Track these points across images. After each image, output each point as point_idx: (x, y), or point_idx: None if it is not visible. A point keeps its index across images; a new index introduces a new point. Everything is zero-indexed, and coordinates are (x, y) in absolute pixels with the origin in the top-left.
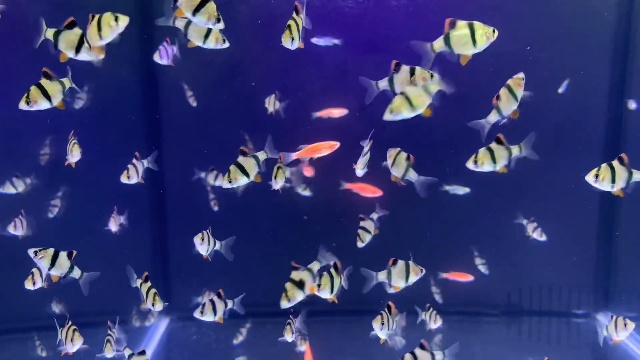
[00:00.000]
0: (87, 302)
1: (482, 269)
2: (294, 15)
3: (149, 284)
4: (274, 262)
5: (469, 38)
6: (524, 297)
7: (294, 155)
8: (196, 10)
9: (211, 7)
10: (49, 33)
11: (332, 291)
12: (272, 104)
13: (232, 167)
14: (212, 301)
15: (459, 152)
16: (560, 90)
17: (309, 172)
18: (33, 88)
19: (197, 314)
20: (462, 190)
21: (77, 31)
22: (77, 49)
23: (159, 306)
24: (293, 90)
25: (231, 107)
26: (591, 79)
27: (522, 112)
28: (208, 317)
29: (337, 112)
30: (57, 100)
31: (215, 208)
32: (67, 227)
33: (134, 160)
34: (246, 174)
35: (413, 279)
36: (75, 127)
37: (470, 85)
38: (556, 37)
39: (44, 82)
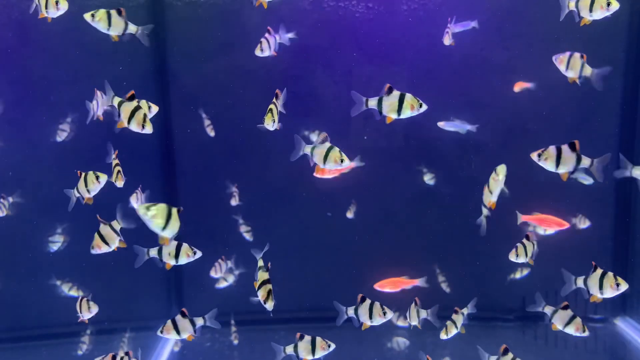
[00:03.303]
0: (102, 310)
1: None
2: (274, 100)
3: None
4: (286, 268)
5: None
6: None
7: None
8: None
9: None
10: (116, 101)
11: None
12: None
13: (96, 236)
14: (173, 320)
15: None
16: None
17: (321, 173)
18: None
19: (167, 335)
20: (587, 181)
21: (135, 103)
22: (129, 120)
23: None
24: (303, 98)
25: (244, 128)
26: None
27: (537, 113)
28: (184, 335)
29: None
30: None
31: (249, 238)
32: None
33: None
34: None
35: None
36: (90, 152)
37: (484, 87)
38: (569, 39)
39: None
